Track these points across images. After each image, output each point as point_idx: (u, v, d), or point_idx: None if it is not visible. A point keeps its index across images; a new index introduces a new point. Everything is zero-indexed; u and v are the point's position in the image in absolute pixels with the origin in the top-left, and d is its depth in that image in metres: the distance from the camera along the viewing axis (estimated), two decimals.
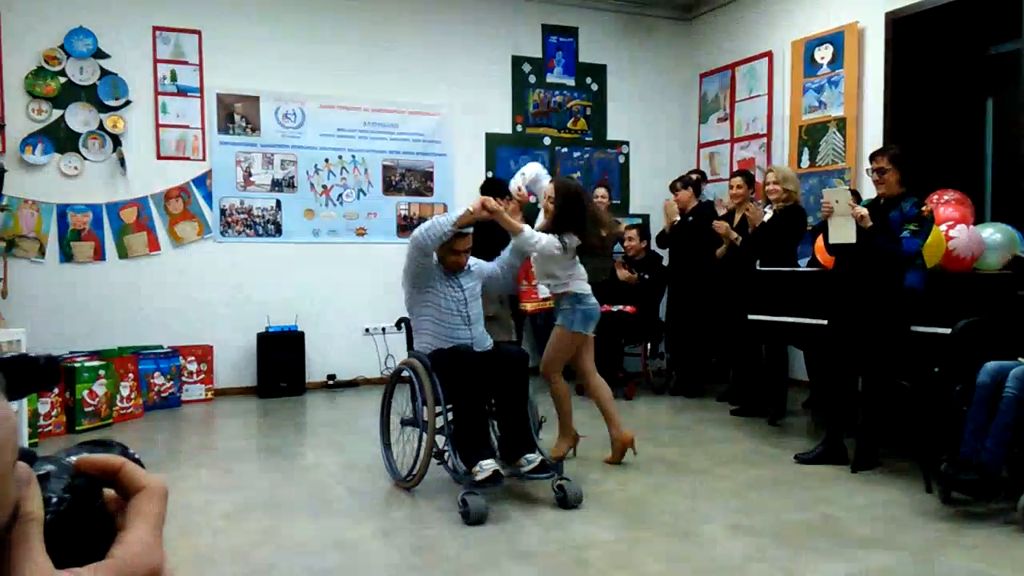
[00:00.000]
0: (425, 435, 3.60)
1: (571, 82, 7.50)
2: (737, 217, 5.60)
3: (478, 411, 3.55)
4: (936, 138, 5.48)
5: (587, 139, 7.61)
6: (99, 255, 5.95)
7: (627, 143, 7.74)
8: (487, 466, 3.32)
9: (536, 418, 3.79)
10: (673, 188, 6.30)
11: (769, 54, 6.82)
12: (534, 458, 3.47)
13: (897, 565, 2.84)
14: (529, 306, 5.73)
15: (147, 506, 0.48)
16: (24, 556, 0.41)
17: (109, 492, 0.49)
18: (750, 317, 5.01)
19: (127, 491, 0.48)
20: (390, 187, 6.87)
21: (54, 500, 0.45)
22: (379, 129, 6.80)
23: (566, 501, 3.42)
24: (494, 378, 3.63)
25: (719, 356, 6.39)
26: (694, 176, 6.38)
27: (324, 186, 6.63)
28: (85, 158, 5.91)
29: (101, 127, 5.95)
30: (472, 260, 3.97)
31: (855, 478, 3.93)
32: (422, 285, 3.78)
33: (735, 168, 6.87)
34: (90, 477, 0.48)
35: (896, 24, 5.67)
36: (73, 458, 0.49)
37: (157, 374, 5.77)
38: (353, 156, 6.70)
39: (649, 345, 6.37)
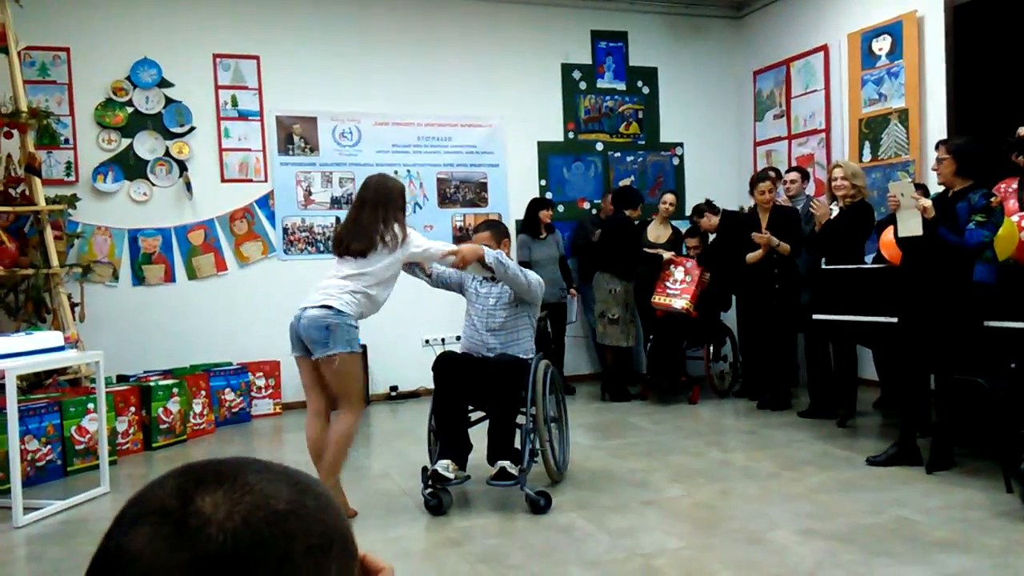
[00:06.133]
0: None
1: (622, 86, 7.48)
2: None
3: (449, 414, 3.75)
4: (1005, 127, 5.29)
5: (640, 143, 7.57)
6: (169, 277, 6.16)
7: (681, 144, 7.68)
8: (437, 466, 3.58)
9: (542, 427, 3.87)
10: (699, 213, 6.26)
11: (825, 48, 6.69)
12: (498, 464, 3.62)
13: (976, 568, 2.75)
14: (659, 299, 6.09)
15: None
16: None
17: None
18: (816, 317, 4.90)
19: (370, 571, 0.71)
20: (445, 199, 6.95)
21: None
22: (433, 143, 6.89)
23: (534, 507, 3.54)
24: (488, 385, 3.77)
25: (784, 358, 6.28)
26: (702, 204, 6.31)
27: None
28: (153, 184, 6.14)
29: (167, 154, 6.17)
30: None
31: (930, 479, 3.82)
32: (464, 290, 4.12)
33: (794, 164, 6.76)
34: None
35: (957, 11, 5.51)
36: None
37: (228, 390, 5.93)
38: (408, 171, 6.80)
39: (712, 348, 6.28)
